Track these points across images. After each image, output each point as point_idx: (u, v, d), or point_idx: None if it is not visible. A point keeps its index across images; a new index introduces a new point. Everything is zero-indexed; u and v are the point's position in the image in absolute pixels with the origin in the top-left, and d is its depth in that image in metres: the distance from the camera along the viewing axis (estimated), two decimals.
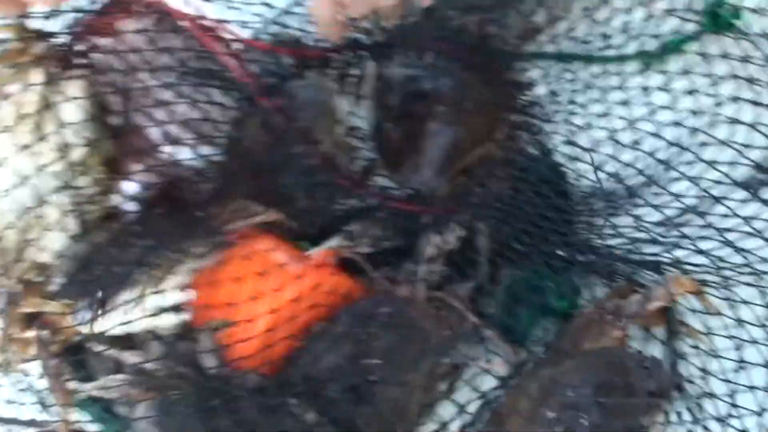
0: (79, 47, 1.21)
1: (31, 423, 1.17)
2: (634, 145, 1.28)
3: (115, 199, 1.20)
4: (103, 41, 1.21)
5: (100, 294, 1.11)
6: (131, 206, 1.19)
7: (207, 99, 1.20)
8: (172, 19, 1.22)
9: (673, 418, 1.09)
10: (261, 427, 1.05)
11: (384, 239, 1.26)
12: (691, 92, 1.28)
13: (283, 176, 1.25)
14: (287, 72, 1.28)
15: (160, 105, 1.19)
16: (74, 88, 1.17)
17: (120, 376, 1.12)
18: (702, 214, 1.16)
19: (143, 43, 1.21)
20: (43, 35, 1.18)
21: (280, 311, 1.13)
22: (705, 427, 1.08)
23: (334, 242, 1.22)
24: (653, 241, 1.20)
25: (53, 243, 1.15)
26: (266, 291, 1.13)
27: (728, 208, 1.13)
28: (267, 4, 1.28)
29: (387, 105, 1.26)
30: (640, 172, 1.23)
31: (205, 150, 1.21)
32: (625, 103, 1.32)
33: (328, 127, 1.26)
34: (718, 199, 1.14)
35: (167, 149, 1.20)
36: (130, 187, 1.20)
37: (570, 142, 1.29)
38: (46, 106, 1.16)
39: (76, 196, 1.16)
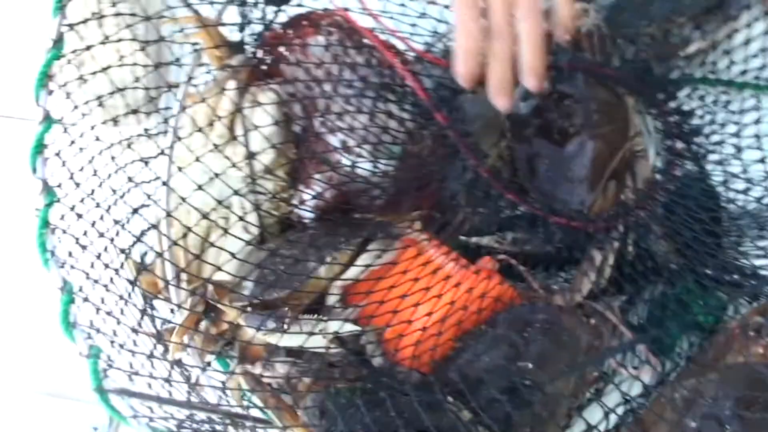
0: (269, 59, 1.27)
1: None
2: None
3: (294, 204, 1.25)
4: (290, 54, 1.27)
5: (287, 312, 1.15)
6: (308, 214, 1.25)
7: (385, 112, 1.24)
8: (354, 33, 1.26)
9: None
10: (420, 422, 1.05)
11: (543, 247, 1.30)
12: None
13: (452, 187, 1.29)
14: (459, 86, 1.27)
15: (341, 116, 1.23)
16: (265, 96, 1.24)
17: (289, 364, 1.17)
18: None
19: (328, 57, 1.25)
20: (237, 46, 1.26)
21: (442, 313, 1.16)
22: None
23: (494, 244, 1.27)
24: None
25: (233, 245, 1.19)
26: (430, 293, 1.17)
27: None
28: (440, 19, 1.32)
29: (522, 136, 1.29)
30: None
31: (381, 162, 1.25)
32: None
33: (494, 141, 1.30)
34: None
35: (345, 160, 1.24)
36: (308, 195, 1.25)
37: (722, 166, 1.31)
38: (238, 111, 1.23)
39: (260, 199, 1.23)
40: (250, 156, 1.22)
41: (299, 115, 1.26)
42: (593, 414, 1.15)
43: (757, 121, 1.31)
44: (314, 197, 1.25)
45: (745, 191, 1.30)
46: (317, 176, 1.24)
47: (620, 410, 1.15)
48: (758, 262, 1.24)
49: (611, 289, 1.25)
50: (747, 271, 1.24)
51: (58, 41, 1.06)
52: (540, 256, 1.31)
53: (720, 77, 1.36)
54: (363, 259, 1.17)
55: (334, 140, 1.24)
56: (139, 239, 1.17)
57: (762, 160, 1.30)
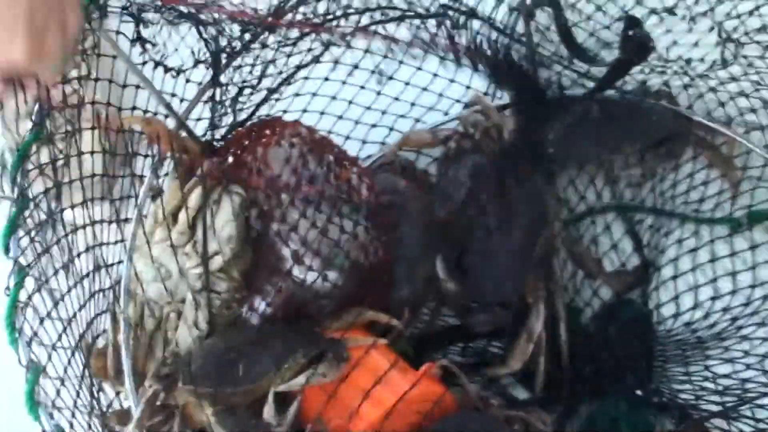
0: (233, 164, 1.30)
1: None
2: (712, 299, 1.38)
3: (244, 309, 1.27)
4: (252, 160, 1.29)
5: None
6: (256, 318, 1.28)
7: (337, 223, 1.27)
8: (316, 145, 1.30)
9: None
10: None
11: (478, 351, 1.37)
12: None
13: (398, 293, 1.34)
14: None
15: (295, 228, 1.26)
16: (228, 199, 1.27)
17: None
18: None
19: (288, 167, 1.28)
20: (206, 149, 1.29)
21: (384, 415, 1.19)
22: None
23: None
24: (720, 393, 1.28)
25: (184, 337, 1.23)
26: (373, 396, 1.20)
27: None
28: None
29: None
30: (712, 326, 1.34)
31: (330, 273, 1.27)
32: (712, 260, 1.40)
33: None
34: None
35: (296, 270, 1.27)
36: (258, 301, 1.28)
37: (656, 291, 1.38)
38: (200, 212, 1.26)
39: (213, 298, 1.25)
40: (205, 257, 1.25)
41: (257, 220, 1.29)
42: None
43: (694, 250, 1.41)
44: (265, 303, 1.27)
45: (674, 316, 1.38)
46: (268, 285, 1.27)
47: None
48: (683, 387, 1.31)
49: (547, 399, 1.29)
50: (674, 394, 1.30)
51: (38, 124, 1.12)
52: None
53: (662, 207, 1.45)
54: (313, 375, 1.20)
55: (286, 250, 1.26)
56: (90, 324, 1.20)
57: (695, 287, 1.38)
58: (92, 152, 1.22)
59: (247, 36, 1.31)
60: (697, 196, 1.46)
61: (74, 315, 1.16)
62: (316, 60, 1.39)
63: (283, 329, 1.25)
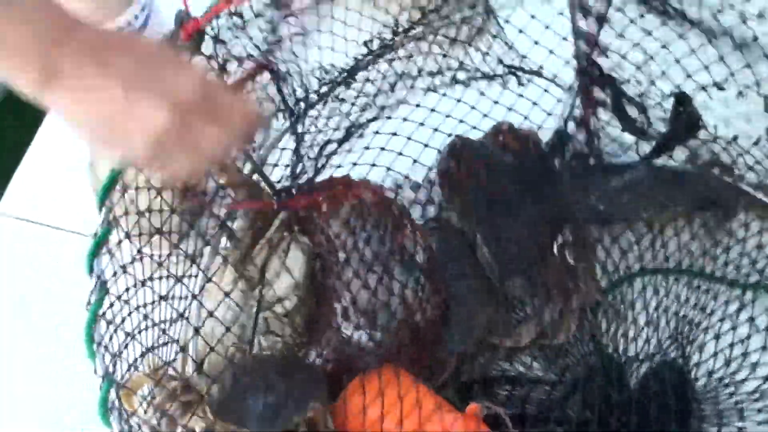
0: (303, 216, 1.35)
1: None
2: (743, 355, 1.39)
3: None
4: (319, 217, 1.34)
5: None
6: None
7: (387, 284, 1.31)
8: (377, 207, 1.35)
9: None
10: None
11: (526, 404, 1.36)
12: None
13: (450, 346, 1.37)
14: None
15: (348, 286, 1.31)
16: (298, 248, 1.32)
17: None
18: None
19: (346, 229, 1.34)
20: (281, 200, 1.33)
21: None
22: None
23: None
24: None
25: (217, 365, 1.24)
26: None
27: None
28: None
29: None
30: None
31: (377, 332, 1.31)
32: (733, 328, 1.41)
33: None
34: None
35: (345, 326, 1.31)
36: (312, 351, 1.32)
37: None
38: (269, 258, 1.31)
39: (276, 342, 1.30)
40: (276, 301, 1.30)
41: (320, 272, 1.34)
42: None
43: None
44: (318, 356, 1.32)
45: (709, 373, 1.38)
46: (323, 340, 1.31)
47: None
48: None
49: None
50: None
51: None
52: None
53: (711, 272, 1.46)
54: None
55: (338, 306, 1.31)
56: (168, 364, 1.21)
57: (744, 354, 1.38)
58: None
59: (324, 89, 1.35)
60: (746, 262, 1.47)
61: (151, 347, 1.18)
62: (386, 116, 1.46)
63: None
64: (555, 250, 1.41)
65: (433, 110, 1.49)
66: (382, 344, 1.32)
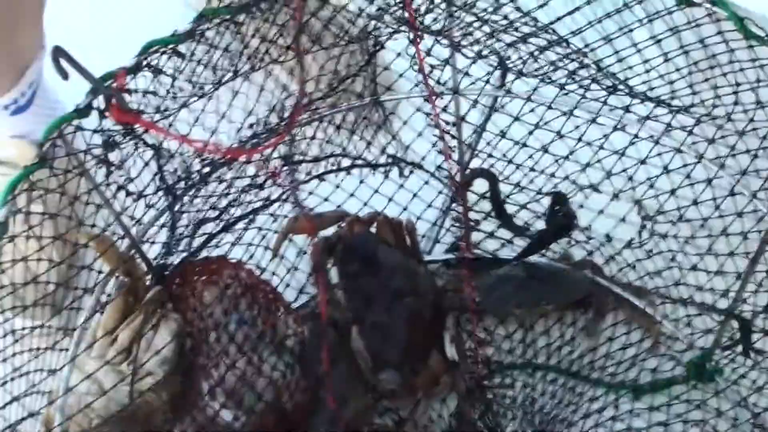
0: (176, 294, 1.35)
1: None
2: None
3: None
4: (190, 295, 1.34)
5: None
6: None
7: (257, 368, 1.32)
8: (251, 289, 1.36)
9: None
10: None
11: None
12: None
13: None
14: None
15: (216, 366, 1.32)
16: (167, 325, 1.32)
17: None
18: None
19: (218, 309, 1.34)
20: (158, 279, 1.35)
21: None
22: None
23: None
24: None
25: None
26: None
27: None
28: None
29: None
30: None
31: (242, 413, 1.32)
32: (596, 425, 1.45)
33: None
34: None
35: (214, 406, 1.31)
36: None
37: None
38: (140, 335, 1.30)
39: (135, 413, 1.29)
40: (133, 376, 1.29)
41: (190, 351, 1.33)
42: None
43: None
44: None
45: None
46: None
47: None
48: None
49: None
50: None
51: (2, 225, 1.15)
52: None
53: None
54: None
55: (204, 385, 1.31)
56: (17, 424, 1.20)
57: None
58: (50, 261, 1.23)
59: (206, 169, 1.35)
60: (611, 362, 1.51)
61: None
62: (269, 204, 1.47)
63: None
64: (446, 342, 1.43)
65: (310, 193, 1.53)
66: (246, 425, 1.32)
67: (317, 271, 1.42)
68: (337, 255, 1.46)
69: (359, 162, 1.52)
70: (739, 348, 1.33)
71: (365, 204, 1.55)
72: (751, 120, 1.21)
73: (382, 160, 1.55)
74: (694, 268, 1.40)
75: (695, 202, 1.34)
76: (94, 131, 1.19)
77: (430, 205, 1.58)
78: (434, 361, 1.42)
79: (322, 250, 1.45)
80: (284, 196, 1.46)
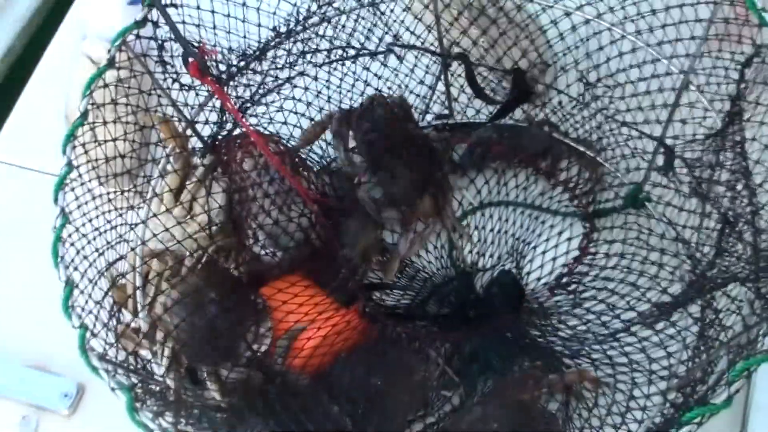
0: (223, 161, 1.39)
1: None
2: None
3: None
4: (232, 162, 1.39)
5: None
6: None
7: (287, 218, 1.36)
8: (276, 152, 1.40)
9: None
10: (304, 413, 1.18)
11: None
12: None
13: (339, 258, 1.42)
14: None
15: (256, 216, 1.35)
16: (217, 185, 1.36)
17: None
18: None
19: (254, 172, 1.39)
20: (205, 149, 1.38)
21: (328, 335, 1.27)
22: None
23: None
24: (565, 339, 1.38)
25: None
26: (316, 324, 1.28)
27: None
28: None
29: None
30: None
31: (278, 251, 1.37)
32: (555, 246, 1.48)
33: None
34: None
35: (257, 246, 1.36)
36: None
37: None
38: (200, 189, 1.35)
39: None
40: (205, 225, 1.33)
41: (236, 204, 1.37)
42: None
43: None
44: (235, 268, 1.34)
45: (537, 279, 1.47)
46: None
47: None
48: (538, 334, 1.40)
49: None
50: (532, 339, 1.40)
51: (84, 114, 1.19)
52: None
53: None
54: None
55: (249, 231, 1.35)
56: (112, 264, 1.23)
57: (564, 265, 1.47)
58: (125, 138, 1.26)
59: (242, 63, 1.38)
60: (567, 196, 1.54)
61: (103, 252, 1.20)
62: (289, 82, 1.49)
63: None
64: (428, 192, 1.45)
65: (328, 81, 1.53)
66: (284, 260, 1.35)
67: (336, 136, 1.46)
68: (352, 124, 1.46)
69: (362, 52, 1.52)
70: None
71: (368, 85, 1.56)
72: None
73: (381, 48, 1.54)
74: (624, 123, 1.41)
75: (623, 70, 1.35)
76: (150, 38, 1.24)
77: (421, 82, 1.57)
78: (425, 202, 1.44)
79: (341, 120, 1.46)
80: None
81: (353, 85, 1.53)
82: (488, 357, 1.33)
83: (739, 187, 1.17)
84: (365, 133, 1.44)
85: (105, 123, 1.20)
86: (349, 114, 1.48)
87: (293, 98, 1.49)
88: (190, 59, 1.23)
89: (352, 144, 1.46)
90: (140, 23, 1.25)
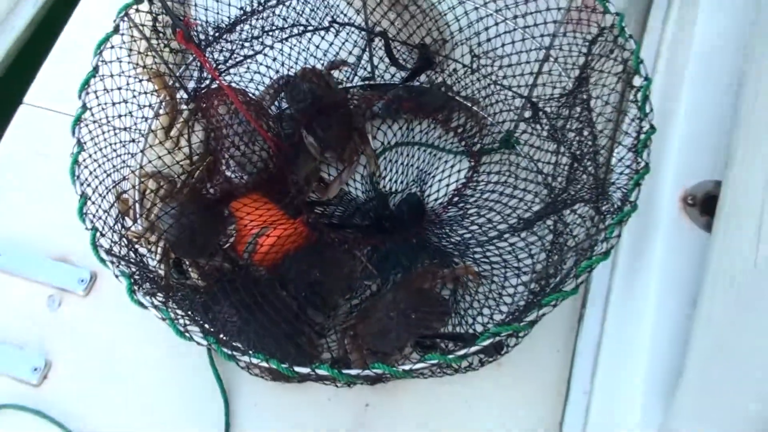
0: (203, 107, 1.36)
1: None
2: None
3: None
4: (211, 106, 1.35)
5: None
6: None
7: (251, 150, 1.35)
8: (244, 101, 1.37)
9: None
10: (261, 295, 1.19)
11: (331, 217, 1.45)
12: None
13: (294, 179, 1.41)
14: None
15: (228, 148, 1.33)
16: (198, 125, 1.34)
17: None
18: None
19: (227, 116, 1.36)
20: (192, 96, 1.36)
21: (280, 237, 1.27)
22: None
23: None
24: (455, 243, 1.39)
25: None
26: (271, 232, 1.28)
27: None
28: None
29: None
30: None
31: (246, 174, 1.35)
32: (449, 176, 1.46)
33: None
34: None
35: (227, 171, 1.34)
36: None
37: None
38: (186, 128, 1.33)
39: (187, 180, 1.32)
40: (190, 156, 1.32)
41: (212, 140, 1.35)
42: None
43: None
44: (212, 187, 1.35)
45: (435, 200, 1.45)
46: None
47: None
48: (437, 241, 1.40)
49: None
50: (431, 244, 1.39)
51: (95, 68, 1.17)
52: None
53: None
54: None
55: (222, 160, 1.34)
56: (117, 183, 1.21)
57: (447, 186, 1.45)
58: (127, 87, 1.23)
59: (217, 34, 1.36)
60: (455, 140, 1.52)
61: (108, 173, 1.20)
62: (257, 53, 1.44)
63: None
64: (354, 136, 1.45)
65: (281, 50, 1.49)
66: (248, 181, 1.34)
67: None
68: (288, 89, 1.46)
69: (308, 28, 1.48)
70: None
71: (312, 56, 1.52)
72: None
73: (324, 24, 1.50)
74: (501, 85, 1.41)
75: (504, 45, 1.34)
76: (147, 12, 1.23)
77: (350, 53, 1.53)
78: (354, 141, 1.46)
79: (279, 85, 1.47)
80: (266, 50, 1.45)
81: (299, 54, 1.50)
82: (398, 257, 1.33)
83: (585, 133, 1.18)
84: (298, 102, 1.44)
85: (111, 75, 1.17)
86: (287, 82, 1.47)
87: (257, 62, 1.46)
88: (177, 29, 1.21)
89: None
90: (139, 0, 1.21)
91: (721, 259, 1.00)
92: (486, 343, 0.93)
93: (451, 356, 0.92)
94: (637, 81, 1.08)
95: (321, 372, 0.92)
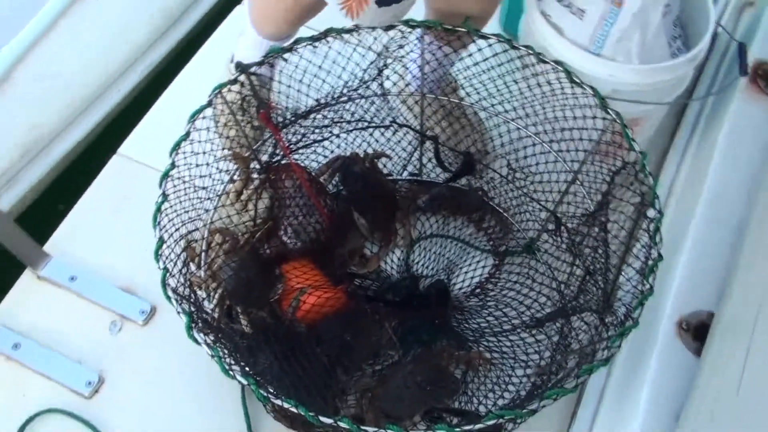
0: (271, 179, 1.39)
1: None
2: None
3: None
4: (278, 180, 1.39)
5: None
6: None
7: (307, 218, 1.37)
8: (306, 177, 1.40)
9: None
10: (298, 347, 1.19)
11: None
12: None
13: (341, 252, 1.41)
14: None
15: (288, 219, 1.35)
16: (266, 194, 1.36)
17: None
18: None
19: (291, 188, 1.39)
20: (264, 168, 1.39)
21: (320, 298, 1.27)
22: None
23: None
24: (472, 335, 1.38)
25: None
26: (313, 294, 1.28)
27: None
28: None
29: None
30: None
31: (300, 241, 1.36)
32: (474, 270, 1.45)
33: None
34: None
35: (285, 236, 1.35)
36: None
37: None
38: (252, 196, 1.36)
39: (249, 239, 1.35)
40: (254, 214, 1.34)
41: (277, 207, 1.38)
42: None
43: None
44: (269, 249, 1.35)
45: (459, 288, 1.43)
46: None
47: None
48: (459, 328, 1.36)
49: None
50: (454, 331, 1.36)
51: (186, 133, 1.20)
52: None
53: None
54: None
55: (282, 226, 1.35)
56: (189, 233, 1.22)
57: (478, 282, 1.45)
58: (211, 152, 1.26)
59: (293, 119, 1.39)
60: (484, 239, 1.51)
61: (184, 223, 1.21)
62: (325, 139, 1.48)
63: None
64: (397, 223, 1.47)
65: (345, 139, 1.51)
66: (300, 249, 1.35)
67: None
68: (342, 170, 1.48)
69: (372, 124, 1.52)
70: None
71: (369, 145, 1.54)
72: None
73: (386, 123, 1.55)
74: (531, 198, 1.42)
75: (538, 164, 1.37)
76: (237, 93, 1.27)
77: (404, 150, 1.56)
78: (394, 226, 1.47)
79: (334, 168, 1.47)
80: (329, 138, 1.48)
81: (360, 144, 1.53)
82: (421, 333, 1.31)
83: (600, 251, 1.19)
84: (351, 184, 1.46)
85: (200, 141, 1.20)
86: (340, 165, 1.49)
87: (323, 147, 1.50)
88: (261, 110, 1.23)
89: None
90: (232, 82, 1.26)
91: (708, 383, 1.00)
92: (489, 423, 0.92)
93: (456, 429, 0.91)
94: (651, 213, 1.09)
95: (342, 425, 0.91)
